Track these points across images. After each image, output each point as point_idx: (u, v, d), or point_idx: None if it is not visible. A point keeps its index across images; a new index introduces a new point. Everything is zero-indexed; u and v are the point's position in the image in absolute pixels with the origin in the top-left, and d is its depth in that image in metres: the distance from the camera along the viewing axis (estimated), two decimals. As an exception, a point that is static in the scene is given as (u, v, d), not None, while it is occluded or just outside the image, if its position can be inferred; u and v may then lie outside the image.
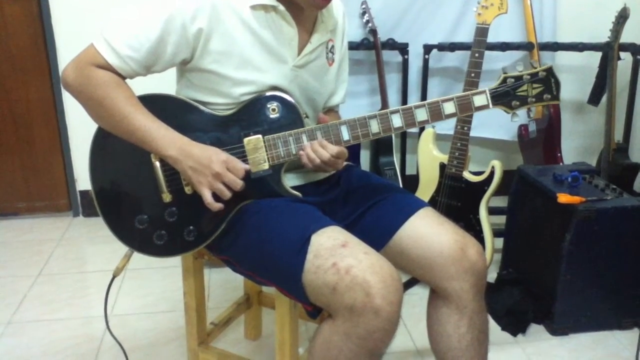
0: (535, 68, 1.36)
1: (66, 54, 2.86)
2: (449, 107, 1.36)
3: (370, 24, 2.80)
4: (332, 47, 1.52)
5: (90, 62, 1.31)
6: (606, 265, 2.06)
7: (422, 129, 2.65)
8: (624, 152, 2.81)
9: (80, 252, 2.79)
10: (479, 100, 1.35)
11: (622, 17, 2.56)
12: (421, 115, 1.36)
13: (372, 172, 2.66)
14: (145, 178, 1.38)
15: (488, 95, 1.35)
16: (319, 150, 1.35)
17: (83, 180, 3.08)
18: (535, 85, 1.36)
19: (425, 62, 2.89)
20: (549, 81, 1.36)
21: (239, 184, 1.32)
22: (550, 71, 1.36)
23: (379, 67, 2.80)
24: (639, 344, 1.89)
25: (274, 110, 1.37)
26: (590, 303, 2.10)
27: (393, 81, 3.02)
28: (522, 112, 1.39)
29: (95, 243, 2.85)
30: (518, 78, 1.36)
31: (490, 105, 1.36)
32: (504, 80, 1.36)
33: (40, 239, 2.92)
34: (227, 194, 1.32)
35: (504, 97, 1.36)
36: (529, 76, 1.36)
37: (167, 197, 1.39)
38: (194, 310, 1.69)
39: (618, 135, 2.89)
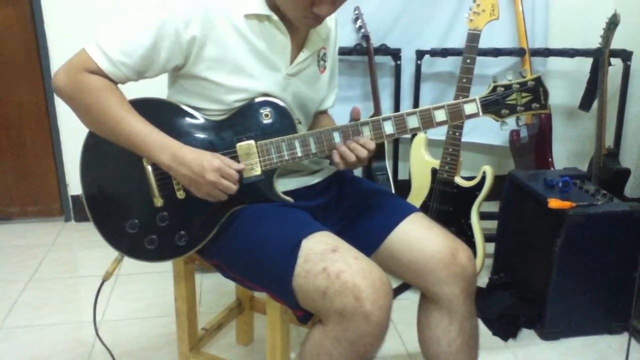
0: (525, 77, 1.38)
1: (59, 58, 2.85)
2: (440, 115, 1.37)
3: (363, 30, 2.81)
4: (324, 54, 1.53)
5: (81, 67, 1.31)
6: (596, 270, 2.07)
7: (414, 134, 2.66)
8: (614, 157, 2.83)
9: (71, 257, 2.79)
10: (469, 108, 1.37)
11: (613, 23, 2.58)
12: (413, 122, 1.37)
13: (363, 178, 2.68)
14: (137, 182, 1.38)
15: (478, 103, 1.37)
16: (357, 148, 1.36)
17: (75, 185, 3.07)
18: (524, 94, 1.38)
19: (418, 67, 2.90)
20: (537, 90, 1.38)
21: (233, 189, 1.33)
22: (538, 81, 1.38)
23: (372, 73, 2.80)
24: (628, 348, 1.90)
25: (266, 115, 1.38)
26: (580, 307, 2.11)
27: (386, 86, 3.03)
28: (511, 120, 1.41)
29: (87, 248, 2.85)
30: (507, 87, 1.38)
31: (481, 114, 1.38)
32: (494, 89, 1.38)
33: (32, 243, 2.91)
34: (225, 198, 1.33)
35: (494, 105, 1.38)
36: (518, 85, 1.38)
37: (158, 201, 1.39)
38: (185, 316, 1.69)
39: (609, 141, 2.91)
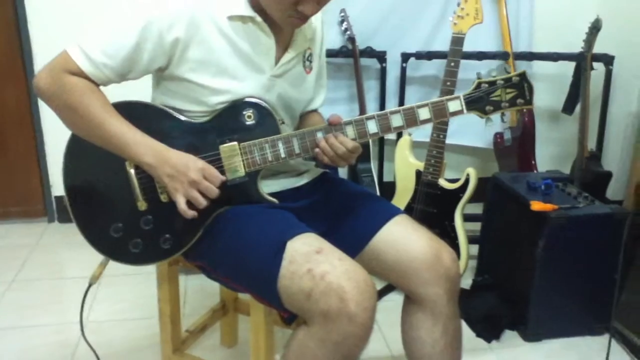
0: (509, 73, 1.38)
1: (43, 58, 2.82)
2: (424, 113, 1.37)
3: (348, 32, 2.82)
4: (310, 55, 1.53)
5: (63, 68, 1.30)
6: (578, 272, 2.09)
7: (399, 136, 2.68)
8: (596, 160, 2.86)
9: (55, 258, 2.77)
10: (453, 105, 1.37)
11: (595, 28, 2.61)
12: (396, 121, 1.37)
13: (348, 179, 2.69)
14: (120, 186, 1.38)
15: (462, 100, 1.37)
16: (335, 144, 1.36)
17: (58, 185, 3.04)
18: (508, 90, 1.38)
19: (403, 70, 2.91)
20: (522, 86, 1.38)
21: (214, 191, 1.32)
22: (523, 76, 1.37)
23: (357, 75, 2.81)
24: (608, 349, 1.92)
25: (249, 117, 1.38)
26: (562, 309, 2.13)
27: (371, 88, 3.04)
28: (496, 118, 1.41)
29: (70, 249, 2.82)
30: (492, 83, 1.37)
31: (465, 111, 1.37)
32: (478, 85, 1.37)
33: (15, 244, 2.88)
34: (202, 202, 1.32)
35: (478, 102, 1.37)
36: (503, 81, 1.37)
37: (142, 205, 1.38)
38: (168, 317, 1.68)
39: (591, 144, 2.94)
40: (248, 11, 1.34)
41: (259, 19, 1.35)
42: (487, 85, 1.37)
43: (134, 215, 1.39)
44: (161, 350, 1.74)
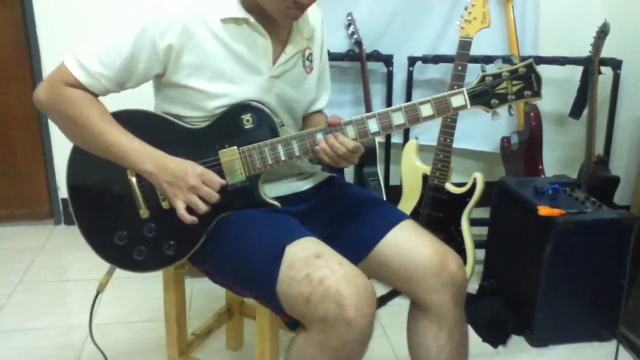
0: (515, 64, 1.32)
1: (50, 62, 2.85)
2: (426, 110, 1.33)
3: (355, 36, 2.81)
4: (310, 55, 1.51)
5: (61, 80, 1.31)
6: (585, 277, 2.08)
7: (405, 140, 2.67)
8: (604, 165, 2.84)
9: (61, 260, 2.77)
10: (456, 100, 1.32)
11: (603, 32, 2.60)
12: (398, 118, 1.34)
13: (354, 183, 2.68)
14: (123, 194, 1.38)
15: (466, 95, 1.32)
16: (335, 144, 1.34)
17: (65, 188, 3.05)
18: (515, 82, 1.32)
19: (410, 73, 2.91)
20: (529, 77, 1.32)
21: (214, 196, 1.32)
22: (530, 67, 1.31)
23: (364, 78, 2.81)
24: (616, 355, 1.91)
25: (248, 121, 1.37)
26: (569, 314, 2.12)
27: (377, 92, 3.03)
28: (503, 111, 1.35)
29: (76, 251, 2.83)
30: (497, 76, 1.32)
31: (469, 105, 1.32)
32: (482, 78, 1.32)
33: (21, 247, 2.89)
34: (202, 207, 1.32)
35: (483, 96, 1.32)
36: (508, 73, 1.32)
37: (145, 213, 1.39)
38: (174, 320, 1.68)
39: (599, 148, 2.92)
40: (241, 13, 1.33)
41: (252, 20, 1.34)
42: (491, 78, 1.32)
43: (137, 223, 1.39)
44: (167, 353, 1.74)
